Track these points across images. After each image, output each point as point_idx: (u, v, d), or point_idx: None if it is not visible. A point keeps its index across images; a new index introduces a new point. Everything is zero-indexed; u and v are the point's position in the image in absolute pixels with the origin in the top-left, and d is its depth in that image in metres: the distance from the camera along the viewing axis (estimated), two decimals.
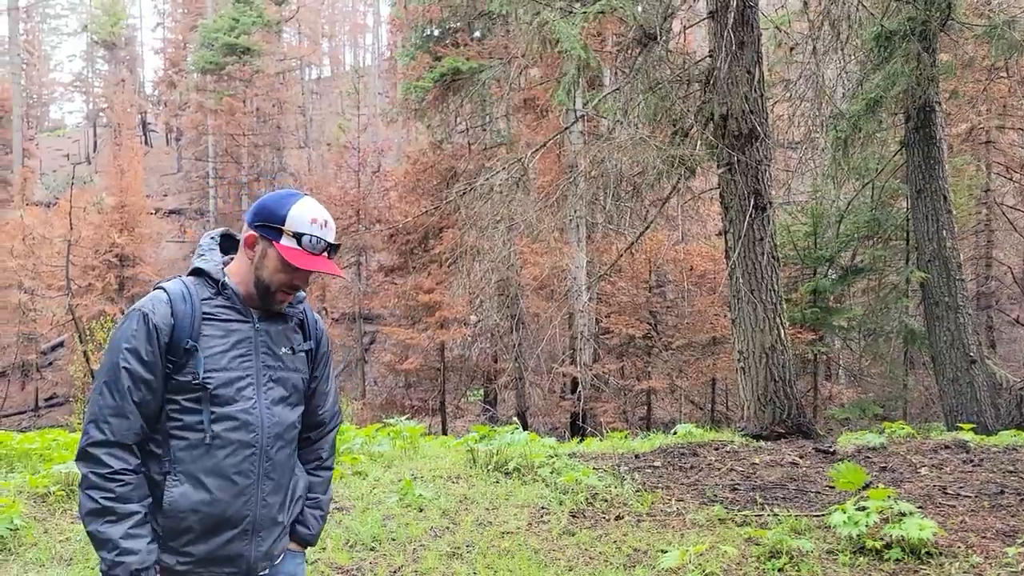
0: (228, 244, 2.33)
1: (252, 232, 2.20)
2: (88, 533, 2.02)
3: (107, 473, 2.01)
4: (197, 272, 2.22)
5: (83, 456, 2.04)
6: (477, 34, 21.34)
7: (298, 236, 2.15)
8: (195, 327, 2.11)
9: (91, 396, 2.07)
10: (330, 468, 2.50)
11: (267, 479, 2.18)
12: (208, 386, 2.09)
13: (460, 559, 4.67)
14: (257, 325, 2.22)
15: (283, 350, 2.25)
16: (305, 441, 2.42)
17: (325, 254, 2.19)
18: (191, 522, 2.07)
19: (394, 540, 5.01)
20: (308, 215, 2.17)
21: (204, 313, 2.14)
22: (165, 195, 45.62)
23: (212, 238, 2.31)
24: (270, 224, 2.16)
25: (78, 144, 61.30)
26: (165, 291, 2.15)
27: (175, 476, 2.08)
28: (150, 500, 2.08)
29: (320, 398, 2.41)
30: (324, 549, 4.88)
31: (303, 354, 2.32)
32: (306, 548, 2.42)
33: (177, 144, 53.84)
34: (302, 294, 2.35)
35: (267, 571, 2.25)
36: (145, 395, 2.07)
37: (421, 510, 5.49)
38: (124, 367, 2.06)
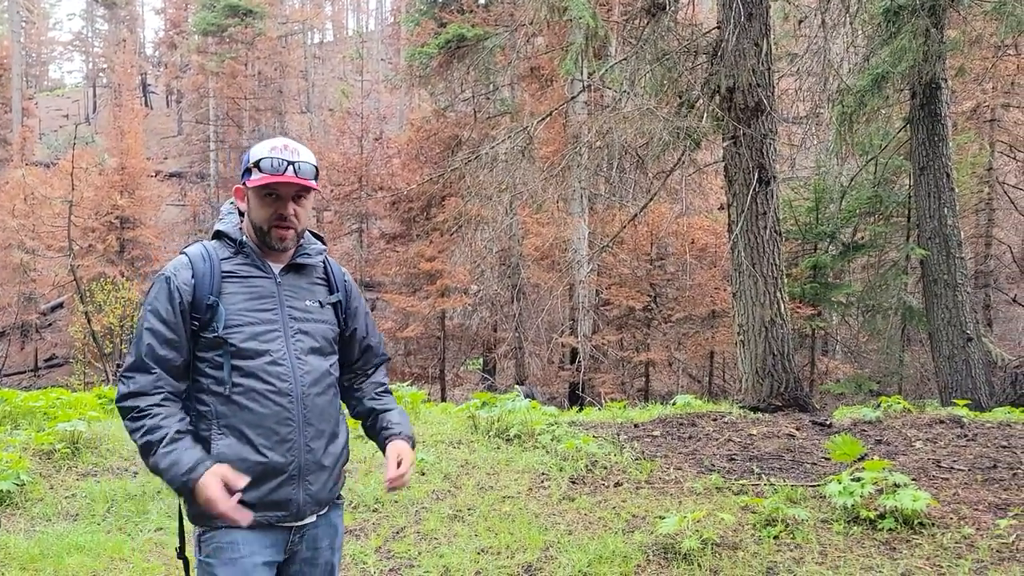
0: None
1: (238, 187, 2.35)
2: (149, 467, 2.14)
3: (135, 415, 2.13)
4: (218, 235, 2.33)
5: (120, 410, 2.18)
6: (483, 0, 21.14)
7: (258, 164, 2.24)
8: (215, 284, 2.21)
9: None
10: (391, 394, 2.60)
11: (308, 425, 2.25)
12: (230, 340, 2.18)
13: (461, 521, 4.76)
14: (279, 280, 2.30)
15: (308, 303, 2.33)
16: (361, 376, 2.54)
17: (291, 172, 2.24)
18: (240, 471, 2.14)
19: (396, 502, 5.10)
20: (268, 145, 2.28)
21: (224, 271, 2.24)
22: (165, 158, 45.45)
23: (232, 202, 2.41)
24: (243, 170, 2.30)
25: (78, 104, 60.94)
26: (186, 255, 2.26)
27: (219, 430, 2.18)
28: (186, 420, 2.19)
29: (362, 340, 2.50)
30: None
31: (330, 307, 2.40)
32: (413, 446, 2.46)
33: (178, 106, 53.53)
34: (320, 245, 2.42)
35: (315, 518, 2.33)
36: (168, 353, 2.17)
37: (423, 474, 5.57)
38: (147, 328, 2.18)
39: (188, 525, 2.29)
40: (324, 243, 2.47)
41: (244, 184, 2.30)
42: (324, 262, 2.44)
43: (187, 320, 2.19)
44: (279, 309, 2.27)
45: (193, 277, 2.20)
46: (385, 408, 2.53)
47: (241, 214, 2.37)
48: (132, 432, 2.15)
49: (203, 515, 2.15)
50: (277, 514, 2.22)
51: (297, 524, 2.27)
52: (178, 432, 2.13)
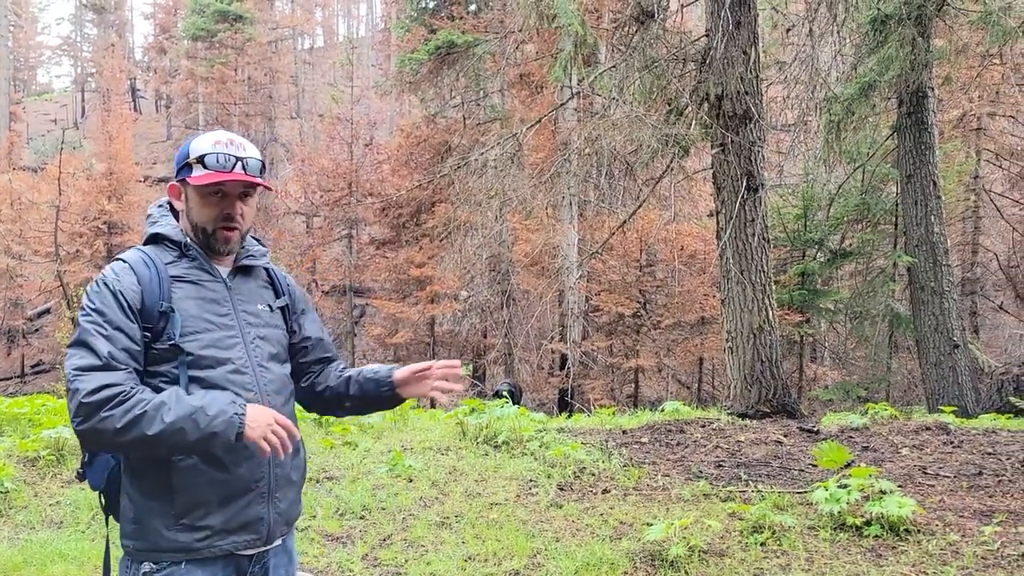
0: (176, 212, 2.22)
1: (172, 183, 2.15)
2: (170, 446, 1.87)
3: (122, 397, 1.85)
4: (155, 238, 2.12)
5: (85, 410, 1.84)
6: (473, 7, 21.17)
7: (201, 159, 2.07)
8: (164, 290, 2.01)
9: (65, 364, 1.91)
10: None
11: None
12: (187, 348, 1.98)
13: (449, 528, 4.75)
14: (229, 284, 2.14)
15: (260, 306, 2.18)
16: (320, 372, 2.37)
17: (240, 169, 2.08)
18: (207, 494, 1.97)
19: (384, 509, 5.08)
20: (210, 139, 2.11)
21: (172, 276, 2.05)
22: (154, 163, 45.23)
23: (160, 206, 2.19)
24: (180, 166, 2.12)
25: (66, 109, 60.63)
26: (124, 260, 2.05)
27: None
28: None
29: (317, 340, 2.35)
30: (314, 517, 4.95)
31: (279, 311, 2.25)
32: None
33: (167, 111, 53.32)
34: (262, 248, 2.27)
35: (280, 541, 2.16)
36: (119, 356, 1.91)
37: (411, 480, 5.56)
38: (95, 332, 1.92)
39: (115, 561, 2.12)
40: (264, 245, 2.31)
41: (183, 181, 2.10)
42: (266, 265, 2.29)
43: (139, 327, 1.96)
44: (233, 314, 2.10)
45: (139, 283, 1.99)
46: (359, 369, 2.37)
47: (175, 214, 2.18)
48: (124, 413, 1.83)
49: (151, 549, 1.97)
50: (246, 538, 2.04)
51: (262, 549, 2.10)
52: (176, 392, 1.92)
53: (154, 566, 1.99)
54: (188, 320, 2.01)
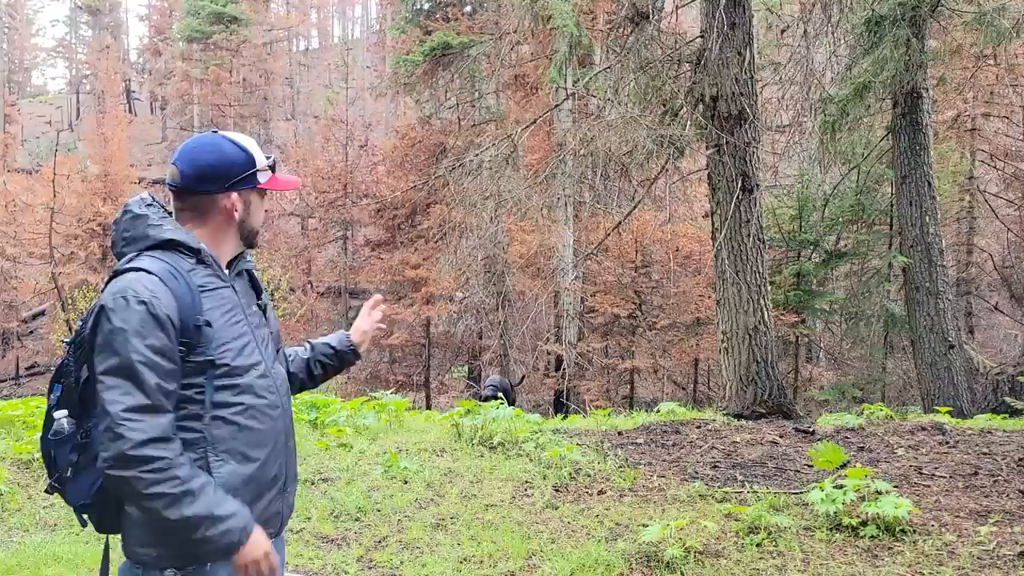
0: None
1: (229, 195, 2.07)
2: (175, 529, 1.87)
3: (163, 465, 1.83)
4: (169, 244, 2.01)
5: (125, 461, 1.82)
6: (468, 8, 21.20)
7: (272, 165, 2.14)
8: (197, 302, 1.97)
9: (104, 396, 1.84)
10: None
11: (289, 434, 2.18)
12: (223, 360, 1.98)
13: (444, 530, 4.74)
14: (235, 287, 2.12)
15: (254, 307, 2.18)
16: (282, 357, 2.38)
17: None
18: (244, 494, 1.99)
19: (379, 511, 5.06)
20: (248, 142, 2.13)
21: (197, 285, 2.00)
22: (149, 165, 45.14)
23: (150, 205, 2.06)
24: (243, 175, 2.08)
25: (61, 111, 60.49)
26: (152, 273, 1.93)
27: (218, 457, 1.96)
28: None
29: (277, 332, 2.35)
30: (309, 519, 4.93)
31: (262, 310, 2.24)
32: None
33: (162, 113, 53.28)
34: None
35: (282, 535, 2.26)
36: (172, 385, 1.90)
37: (406, 482, 5.54)
38: (141, 361, 1.85)
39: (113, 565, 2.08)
40: None
41: (247, 189, 2.09)
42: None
43: (177, 346, 1.93)
44: (244, 319, 2.09)
45: (174, 297, 1.92)
46: (305, 348, 2.47)
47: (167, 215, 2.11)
48: (155, 484, 1.82)
49: (179, 554, 1.94)
50: (267, 532, 2.07)
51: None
52: (215, 483, 1.93)
53: (178, 571, 1.97)
54: (218, 330, 1.99)
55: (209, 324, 1.97)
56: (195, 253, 2.03)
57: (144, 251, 1.99)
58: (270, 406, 2.07)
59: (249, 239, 2.17)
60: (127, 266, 1.96)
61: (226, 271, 2.12)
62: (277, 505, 2.12)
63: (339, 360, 2.46)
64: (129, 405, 1.83)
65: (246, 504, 1.99)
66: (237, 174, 2.07)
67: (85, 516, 2.06)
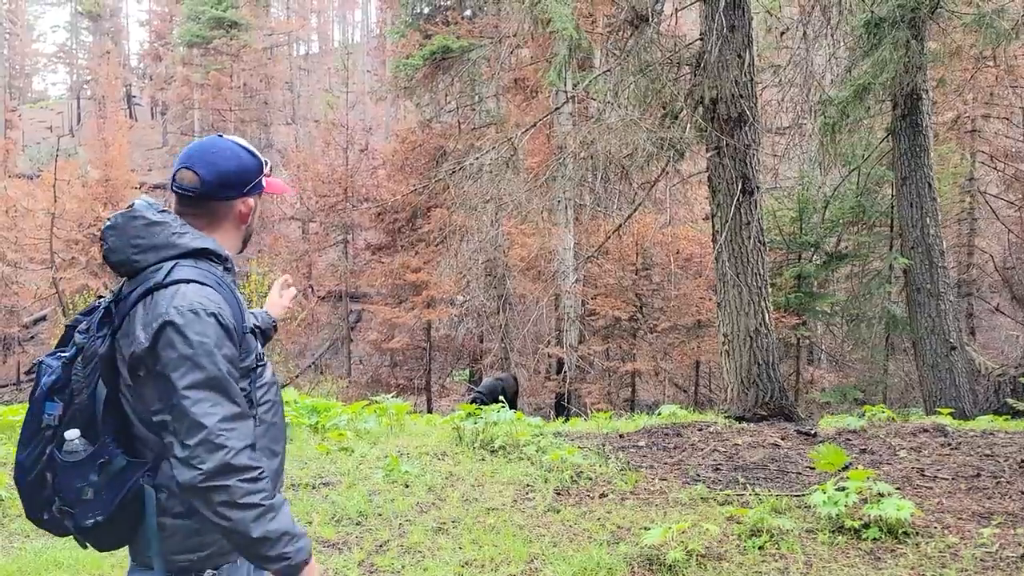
0: None
1: (245, 200, 2.10)
2: (255, 541, 1.83)
3: (257, 475, 1.85)
4: (202, 252, 2.00)
5: (227, 470, 1.80)
6: (468, 12, 21.22)
7: (271, 169, 2.18)
8: (243, 309, 2.01)
9: (194, 410, 1.82)
10: None
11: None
12: (261, 362, 2.05)
13: (446, 534, 4.73)
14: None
15: None
16: None
17: None
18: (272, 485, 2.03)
19: (380, 515, 5.05)
20: (252, 146, 2.16)
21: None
22: (150, 169, 45.17)
23: (165, 211, 2.03)
24: (256, 179, 2.11)
25: (62, 116, 60.54)
26: (206, 284, 1.93)
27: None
28: None
29: None
30: (311, 523, 4.92)
31: None
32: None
33: (163, 118, 53.30)
34: None
35: None
36: (240, 387, 1.93)
37: (407, 486, 5.53)
38: (224, 372, 1.87)
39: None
40: None
41: (256, 195, 2.13)
42: None
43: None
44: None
45: (229, 307, 1.95)
46: None
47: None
48: (249, 495, 1.82)
49: (217, 554, 1.97)
50: None
51: None
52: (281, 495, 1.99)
53: (214, 572, 1.97)
54: (250, 334, 2.03)
55: (253, 332, 2.03)
56: (223, 261, 2.04)
57: (176, 260, 1.95)
58: (280, 401, 2.15)
59: (247, 242, 2.21)
60: (175, 277, 1.91)
61: None
62: (283, 493, 2.16)
63: (264, 338, 2.36)
64: (223, 415, 1.83)
65: None
66: (252, 179, 2.10)
67: (89, 536, 1.98)
